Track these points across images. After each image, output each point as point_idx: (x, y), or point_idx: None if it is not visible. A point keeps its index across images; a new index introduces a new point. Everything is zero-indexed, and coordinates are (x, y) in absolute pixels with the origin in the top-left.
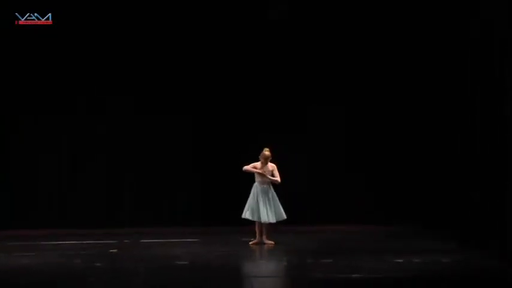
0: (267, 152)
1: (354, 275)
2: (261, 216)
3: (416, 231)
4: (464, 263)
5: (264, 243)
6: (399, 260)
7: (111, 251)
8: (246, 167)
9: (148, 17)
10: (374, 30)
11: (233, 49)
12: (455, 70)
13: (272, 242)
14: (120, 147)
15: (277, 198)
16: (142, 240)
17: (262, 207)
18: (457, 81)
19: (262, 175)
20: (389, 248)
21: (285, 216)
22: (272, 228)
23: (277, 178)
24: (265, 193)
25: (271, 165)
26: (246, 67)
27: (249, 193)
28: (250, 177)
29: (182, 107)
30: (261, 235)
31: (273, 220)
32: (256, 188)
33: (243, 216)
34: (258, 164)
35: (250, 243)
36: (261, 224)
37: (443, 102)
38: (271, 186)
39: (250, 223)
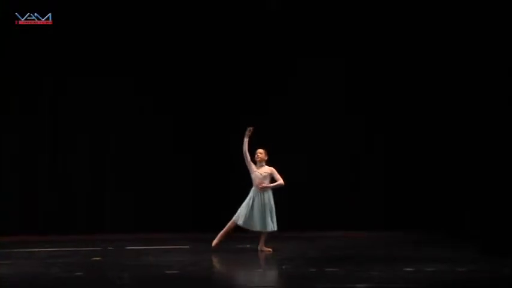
0: (260, 151)
1: (359, 285)
2: (255, 224)
3: (432, 238)
4: (480, 272)
5: (262, 251)
6: (409, 269)
7: (93, 259)
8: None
9: (147, 16)
10: None
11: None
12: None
13: (270, 249)
14: (106, 150)
15: (274, 206)
16: (127, 247)
17: (258, 215)
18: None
19: (261, 183)
20: (400, 256)
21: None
22: (271, 235)
23: (280, 181)
24: (264, 199)
25: (269, 169)
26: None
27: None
28: (246, 180)
29: (178, 108)
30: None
31: (270, 229)
32: (253, 192)
33: (239, 223)
34: (254, 167)
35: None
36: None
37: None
38: (271, 192)
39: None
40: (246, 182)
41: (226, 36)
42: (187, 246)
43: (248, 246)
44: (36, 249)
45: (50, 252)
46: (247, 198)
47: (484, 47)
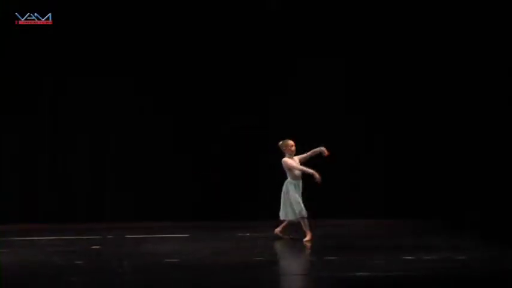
0: (291, 141)
1: (358, 273)
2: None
3: (435, 226)
4: (481, 261)
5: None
6: (409, 257)
7: (93, 247)
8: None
9: (147, 16)
10: None
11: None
12: None
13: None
14: (106, 150)
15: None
16: (127, 236)
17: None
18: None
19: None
20: (401, 244)
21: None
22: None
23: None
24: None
25: (297, 158)
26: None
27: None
28: (247, 179)
29: (178, 108)
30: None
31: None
32: (293, 185)
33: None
34: (287, 158)
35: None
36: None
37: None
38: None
39: (243, 217)
40: (247, 182)
41: (226, 36)
42: (187, 235)
43: (248, 234)
44: (36, 238)
45: (51, 241)
46: (294, 193)
47: (484, 47)
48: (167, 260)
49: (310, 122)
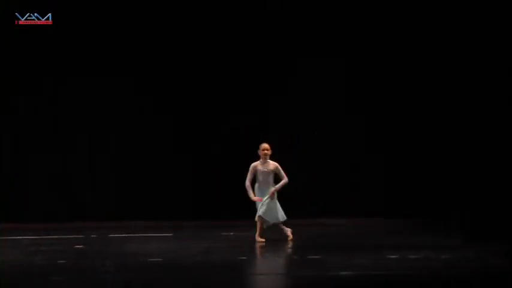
0: (267, 147)
1: (342, 273)
2: (274, 216)
3: (420, 225)
4: (464, 260)
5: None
6: (394, 256)
7: (76, 246)
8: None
9: (147, 16)
10: None
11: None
12: None
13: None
14: (106, 150)
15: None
16: (110, 235)
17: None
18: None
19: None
20: (386, 243)
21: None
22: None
23: (285, 179)
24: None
25: (272, 164)
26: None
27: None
28: (244, 168)
29: (178, 108)
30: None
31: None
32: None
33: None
34: (257, 163)
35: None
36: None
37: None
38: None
39: (224, 216)
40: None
41: (226, 36)
42: (170, 234)
43: (232, 234)
44: (20, 237)
45: (34, 240)
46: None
47: (484, 47)
48: (150, 260)
49: (310, 122)
